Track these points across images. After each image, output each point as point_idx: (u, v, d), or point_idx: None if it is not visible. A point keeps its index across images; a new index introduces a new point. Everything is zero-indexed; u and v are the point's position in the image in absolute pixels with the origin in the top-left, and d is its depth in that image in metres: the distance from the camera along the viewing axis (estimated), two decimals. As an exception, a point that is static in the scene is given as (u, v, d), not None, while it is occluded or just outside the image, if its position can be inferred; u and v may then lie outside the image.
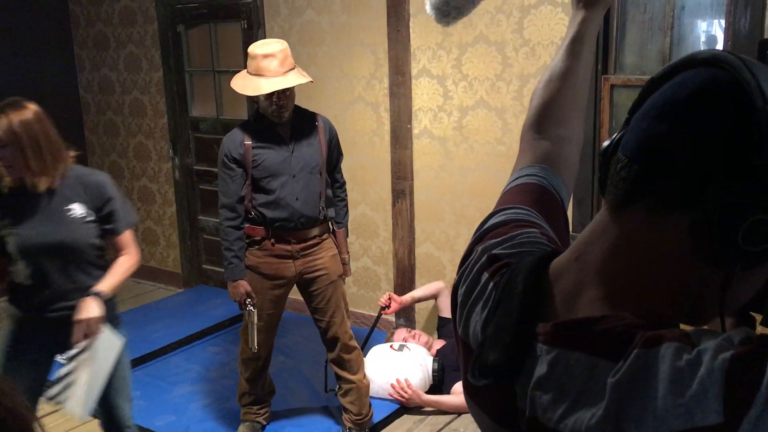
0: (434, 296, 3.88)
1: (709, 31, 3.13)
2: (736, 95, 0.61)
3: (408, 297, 3.86)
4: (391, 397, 3.41)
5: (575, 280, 0.69)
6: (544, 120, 0.99)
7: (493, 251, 0.80)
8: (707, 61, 0.65)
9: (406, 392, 3.35)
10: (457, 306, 0.82)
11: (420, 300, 3.92)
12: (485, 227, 0.87)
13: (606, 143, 0.73)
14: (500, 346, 0.69)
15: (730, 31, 2.96)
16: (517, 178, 0.96)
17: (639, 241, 0.65)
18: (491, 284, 0.76)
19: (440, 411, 3.41)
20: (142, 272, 5.44)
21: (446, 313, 3.83)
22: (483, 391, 0.73)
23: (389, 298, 3.76)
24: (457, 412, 3.38)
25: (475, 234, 0.88)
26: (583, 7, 1.01)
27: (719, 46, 3.05)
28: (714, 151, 0.60)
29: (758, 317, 0.91)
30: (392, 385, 3.37)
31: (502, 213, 0.88)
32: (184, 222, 5.14)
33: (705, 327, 0.71)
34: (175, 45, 4.85)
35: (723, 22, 3.02)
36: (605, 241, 0.68)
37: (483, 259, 0.80)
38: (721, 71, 0.63)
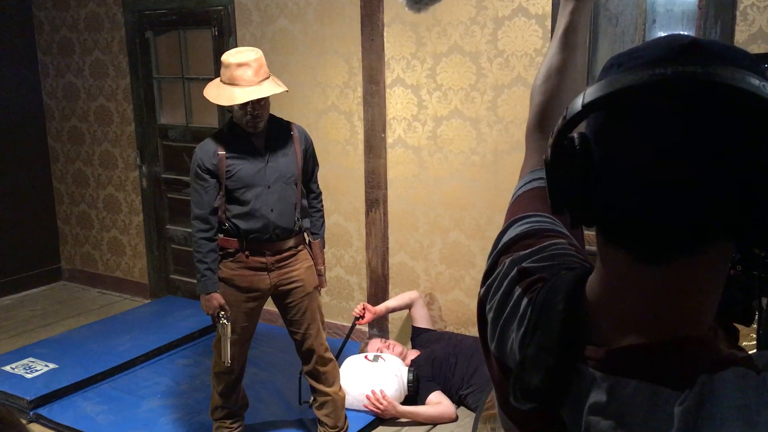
0: (408, 306, 3.87)
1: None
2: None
3: (382, 307, 3.84)
4: (366, 409, 3.38)
5: (621, 306, 0.66)
6: (548, 118, 0.98)
7: (524, 264, 0.78)
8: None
9: (381, 403, 3.32)
10: (487, 321, 0.79)
11: (394, 310, 3.90)
12: (510, 237, 0.85)
13: None
14: (544, 369, 0.67)
15: (700, 45, 3.01)
16: (528, 182, 0.94)
17: (681, 279, 0.63)
18: (525, 300, 0.74)
19: (416, 422, 3.39)
20: (107, 282, 5.35)
21: (420, 323, 3.82)
22: (525, 413, 0.70)
23: (363, 309, 3.74)
24: (433, 422, 3.37)
25: (495, 244, 0.86)
26: None
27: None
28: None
29: (741, 328, 0.91)
30: (367, 396, 3.34)
31: (524, 222, 0.86)
32: (152, 231, 5.04)
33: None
34: (143, 51, 4.76)
35: (693, 34, 3.08)
36: (643, 286, 0.65)
37: (513, 272, 0.78)
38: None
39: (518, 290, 0.76)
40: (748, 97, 0.56)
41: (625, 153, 0.61)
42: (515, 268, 0.78)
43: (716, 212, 0.59)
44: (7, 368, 3.89)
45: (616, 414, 0.61)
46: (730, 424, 0.54)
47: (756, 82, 0.56)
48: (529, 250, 0.80)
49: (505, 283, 0.78)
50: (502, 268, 0.80)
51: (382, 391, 3.33)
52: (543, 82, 0.99)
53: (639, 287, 0.65)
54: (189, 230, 4.61)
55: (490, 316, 0.79)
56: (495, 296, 0.79)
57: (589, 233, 0.72)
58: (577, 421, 0.64)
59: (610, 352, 0.64)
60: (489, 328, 0.79)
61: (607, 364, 0.64)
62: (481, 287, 0.84)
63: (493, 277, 0.81)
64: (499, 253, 0.84)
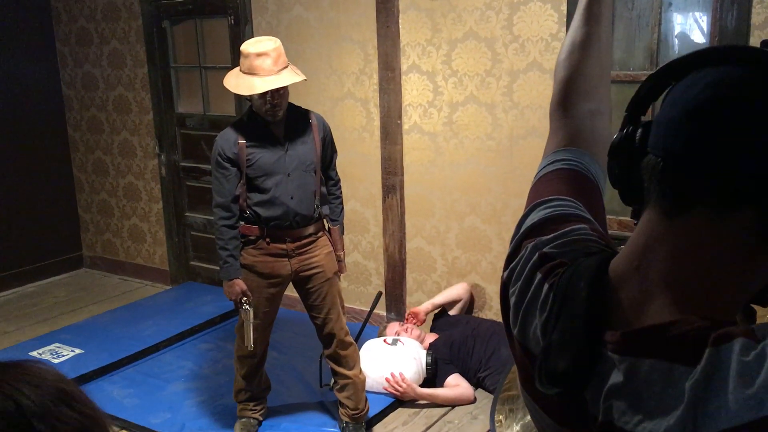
0: (456, 301, 3.87)
1: (696, 27, 3.17)
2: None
3: (429, 305, 3.85)
4: (385, 391, 3.44)
5: (640, 287, 0.69)
6: (570, 96, 0.95)
7: (545, 249, 0.79)
8: (727, 55, 0.66)
9: (400, 386, 3.38)
10: (510, 306, 0.81)
11: (440, 307, 3.89)
12: (532, 222, 0.85)
13: (616, 138, 0.73)
14: (569, 354, 0.69)
15: (717, 27, 3.01)
16: (551, 163, 0.93)
17: (702, 245, 0.65)
18: (546, 285, 0.76)
19: (434, 404, 3.45)
20: (128, 269, 5.44)
21: (453, 311, 3.86)
22: (550, 395, 0.73)
23: (410, 315, 3.78)
24: (452, 404, 3.42)
25: (518, 228, 0.87)
26: None
27: (706, 42, 3.10)
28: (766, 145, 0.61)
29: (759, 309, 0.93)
30: (387, 380, 3.40)
31: (546, 206, 0.86)
32: (171, 219, 5.12)
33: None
34: (160, 41, 4.81)
35: (709, 17, 3.07)
36: (665, 249, 0.67)
37: (535, 257, 0.79)
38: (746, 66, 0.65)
39: (539, 275, 0.77)
40: None
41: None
42: (537, 253, 0.79)
43: (743, 175, 0.61)
44: (35, 353, 3.99)
45: (633, 393, 0.64)
46: (732, 390, 0.57)
47: None
48: (551, 235, 0.81)
49: (527, 268, 0.79)
50: (525, 252, 0.82)
51: (401, 374, 3.39)
52: (566, 57, 0.97)
53: (661, 252, 0.67)
54: (208, 217, 4.70)
55: (512, 300, 0.81)
56: (518, 281, 0.80)
57: (611, 217, 0.75)
58: (597, 402, 0.67)
59: (626, 334, 0.67)
60: (512, 313, 0.81)
61: (623, 346, 0.66)
62: (504, 270, 0.86)
63: (516, 261, 0.83)
64: (522, 237, 0.85)
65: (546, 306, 0.75)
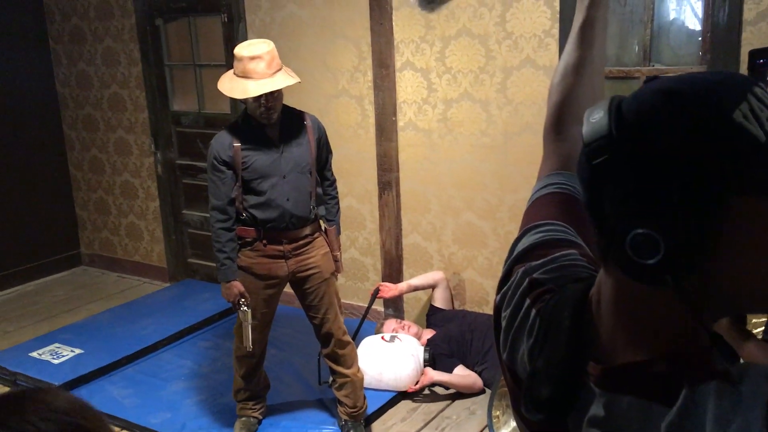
0: (432, 286, 3.92)
1: (689, 23, 3.18)
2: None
3: (404, 285, 3.90)
4: (387, 389, 3.48)
5: (606, 320, 0.72)
6: (564, 119, 0.97)
7: (534, 275, 0.81)
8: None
9: (425, 383, 3.46)
10: (501, 329, 0.83)
11: (417, 288, 3.95)
12: (524, 247, 0.87)
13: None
14: (552, 383, 0.71)
15: (709, 22, 3.02)
16: (544, 186, 0.95)
17: (621, 288, 0.69)
18: (533, 311, 0.78)
19: (432, 399, 3.49)
20: (126, 267, 5.46)
21: (440, 303, 3.89)
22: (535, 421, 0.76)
23: (382, 287, 3.84)
24: (465, 390, 3.49)
25: (510, 252, 0.89)
26: None
27: (698, 38, 3.11)
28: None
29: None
30: (412, 389, 3.46)
31: (538, 230, 0.88)
32: (168, 216, 5.13)
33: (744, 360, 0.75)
34: (153, 39, 4.80)
35: (702, 13, 3.08)
36: (605, 289, 0.71)
37: (525, 283, 0.81)
38: None
39: (528, 301, 0.79)
40: None
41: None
42: (527, 279, 0.81)
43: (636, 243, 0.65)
44: (35, 354, 4.02)
45: (613, 428, 0.66)
46: None
47: None
48: (541, 260, 0.82)
49: (517, 294, 0.81)
50: (516, 277, 0.83)
51: (424, 371, 3.45)
52: (560, 80, 0.98)
53: (633, 305, 0.69)
54: (205, 215, 4.71)
55: (503, 324, 0.83)
56: (508, 306, 0.82)
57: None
58: (579, 430, 0.69)
59: (605, 370, 0.69)
60: (501, 336, 0.83)
61: (604, 380, 0.68)
62: (497, 294, 0.88)
63: (507, 285, 0.84)
64: (513, 261, 0.87)
65: (533, 332, 0.77)
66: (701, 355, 0.66)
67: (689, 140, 0.60)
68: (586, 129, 0.66)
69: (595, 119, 0.66)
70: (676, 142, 0.61)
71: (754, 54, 1.35)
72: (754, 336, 1.30)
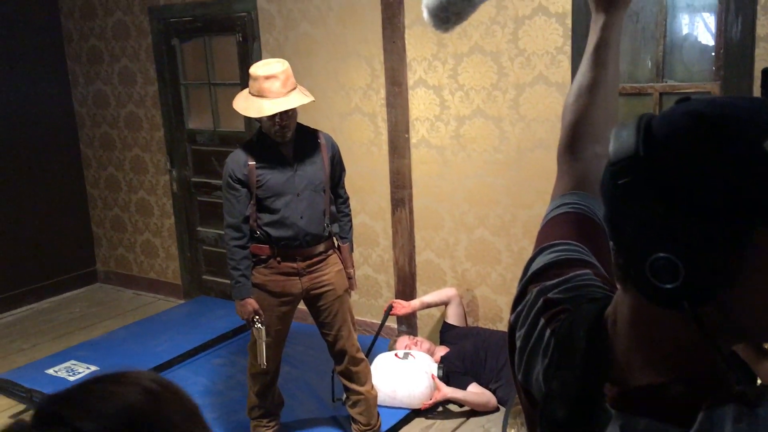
0: (445, 303, 3.92)
1: (702, 40, 3.18)
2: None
3: (417, 302, 3.90)
4: (400, 407, 3.47)
5: (622, 341, 0.72)
6: (578, 139, 0.98)
7: (549, 295, 0.82)
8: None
9: (438, 399, 3.44)
10: (515, 349, 0.83)
11: (430, 305, 3.95)
12: (538, 266, 0.88)
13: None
14: (568, 403, 0.71)
15: (722, 39, 3.02)
16: (558, 206, 0.96)
17: (638, 309, 0.69)
18: (548, 331, 0.78)
19: (447, 417, 3.47)
20: (141, 284, 5.49)
21: (453, 320, 3.88)
22: None
23: (396, 304, 3.84)
24: (480, 408, 3.46)
25: (524, 272, 0.89)
26: (603, 10, 0.98)
27: (711, 54, 3.11)
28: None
29: None
30: (426, 405, 3.44)
31: (552, 250, 0.89)
32: (183, 234, 5.17)
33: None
34: (169, 58, 4.87)
35: (715, 29, 3.08)
36: (623, 311, 0.71)
37: (539, 302, 0.82)
38: None
39: (543, 321, 0.79)
40: None
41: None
42: (541, 299, 0.82)
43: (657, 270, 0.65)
44: (50, 371, 4.04)
45: None
46: None
47: None
48: (556, 280, 0.83)
49: (532, 313, 0.81)
50: (530, 296, 0.84)
51: (437, 387, 3.43)
52: (574, 101, 0.99)
53: (650, 326, 0.69)
54: (219, 232, 4.74)
55: (518, 344, 0.83)
56: (523, 326, 0.82)
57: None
58: None
59: (622, 392, 0.69)
60: (516, 357, 0.83)
61: (621, 402, 0.68)
62: (511, 314, 0.88)
63: (522, 305, 0.85)
64: (528, 281, 0.87)
65: (548, 352, 0.77)
66: (718, 377, 0.67)
67: (718, 167, 0.60)
68: (613, 147, 0.66)
69: (622, 137, 0.65)
70: (704, 169, 0.60)
71: (766, 72, 1.34)
72: None
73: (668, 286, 0.62)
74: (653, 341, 0.68)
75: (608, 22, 0.98)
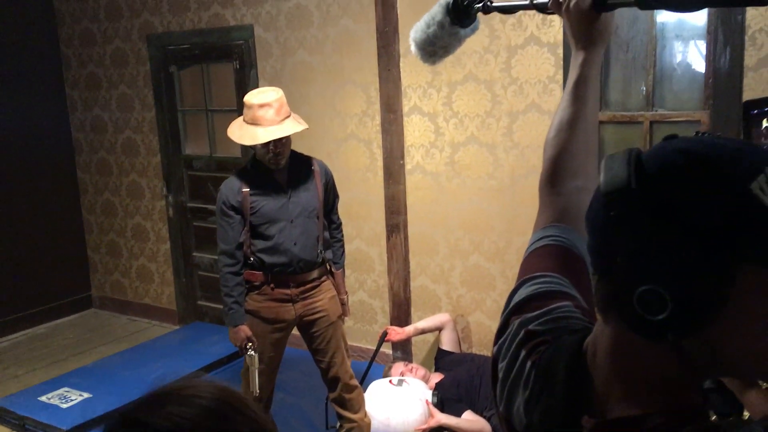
0: (438, 328, 3.91)
1: (691, 69, 3.22)
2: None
3: (411, 328, 3.90)
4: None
5: (601, 373, 0.72)
6: (559, 173, 1.00)
7: (530, 327, 0.83)
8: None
9: (431, 425, 3.41)
10: (498, 381, 0.84)
11: (425, 331, 3.95)
12: (520, 298, 0.89)
13: None
14: None
15: (711, 68, 3.06)
16: (540, 239, 0.97)
17: (619, 339, 0.70)
18: (529, 363, 0.79)
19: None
20: (136, 309, 5.48)
21: (448, 346, 3.87)
22: None
23: (390, 331, 3.83)
24: None
25: (507, 303, 0.91)
26: (583, 48, 1.01)
27: (701, 84, 3.15)
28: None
29: None
30: (418, 429, 3.42)
31: (533, 282, 0.90)
32: (179, 259, 5.17)
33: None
34: (167, 85, 4.91)
35: (703, 59, 3.12)
36: (603, 343, 0.72)
37: (521, 334, 0.83)
38: None
39: (523, 353, 0.80)
40: None
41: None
42: (522, 330, 0.83)
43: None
44: (44, 398, 4.01)
45: None
46: None
47: None
48: (537, 312, 0.84)
49: (513, 345, 0.82)
50: (512, 328, 0.85)
51: (430, 413, 3.41)
52: (554, 135, 1.01)
53: (630, 357, 0.70)
54: (215, 257, 4.73)
55: (500, 375, 0.84)
56: (505, 358, 0.83)
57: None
58: None
59: (600, 423, 0.69)
60: (498, 388, 0.83)
61: None
62: (494, 345, 0.89)
63: (504, 337, 0.86)
64: (510, 313, 0.89)
65: (529, 384, 0.78)
66: (695, 409, 0.67)
67: (707, 204, 0.62)
68: (604, 178, 0.67)
69: (614, 169, 0.67)
70: (694, 205, 0.62)
71: (748, 105, 1.38)
72: (757, 383, 1.29)
73: (657, 318, 0.63)
74: (633, 372, 0.69)
75: (587, 58, 1.01)
